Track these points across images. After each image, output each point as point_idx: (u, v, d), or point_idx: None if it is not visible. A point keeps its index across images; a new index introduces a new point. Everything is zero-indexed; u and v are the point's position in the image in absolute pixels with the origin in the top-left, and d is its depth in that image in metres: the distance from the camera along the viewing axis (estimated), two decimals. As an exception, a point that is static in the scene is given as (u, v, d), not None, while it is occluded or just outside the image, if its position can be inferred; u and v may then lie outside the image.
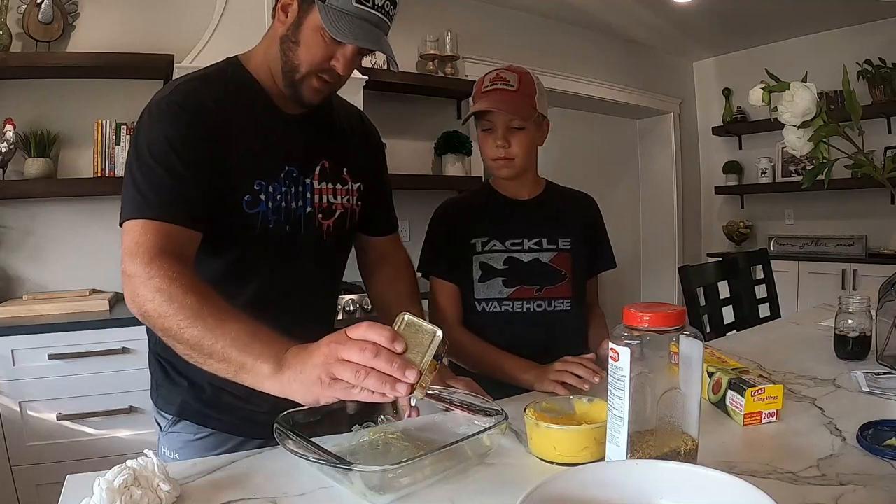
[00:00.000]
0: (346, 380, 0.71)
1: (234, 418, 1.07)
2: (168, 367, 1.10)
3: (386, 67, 3.28)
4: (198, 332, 0.80)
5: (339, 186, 1.13)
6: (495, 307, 1.35)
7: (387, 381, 0.70)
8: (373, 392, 0.71)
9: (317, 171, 1.09)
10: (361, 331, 0.72)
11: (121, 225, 0.92)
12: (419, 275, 1.37)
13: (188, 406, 1.08)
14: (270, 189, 1.02)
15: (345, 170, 1.14)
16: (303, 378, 0.74)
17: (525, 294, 1.35)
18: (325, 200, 1.10)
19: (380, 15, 0.96)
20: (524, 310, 1.35)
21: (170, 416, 1.10)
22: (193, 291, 0.83)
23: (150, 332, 1.13)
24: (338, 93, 1.16)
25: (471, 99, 1.37)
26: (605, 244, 1.49)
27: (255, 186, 1.01)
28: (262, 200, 1.01)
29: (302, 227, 1.07)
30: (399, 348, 0.71)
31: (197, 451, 1.06)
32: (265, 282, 1.06)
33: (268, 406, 1.01)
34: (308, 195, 1.08)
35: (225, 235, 0.99)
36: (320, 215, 1.10)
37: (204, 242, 0.96)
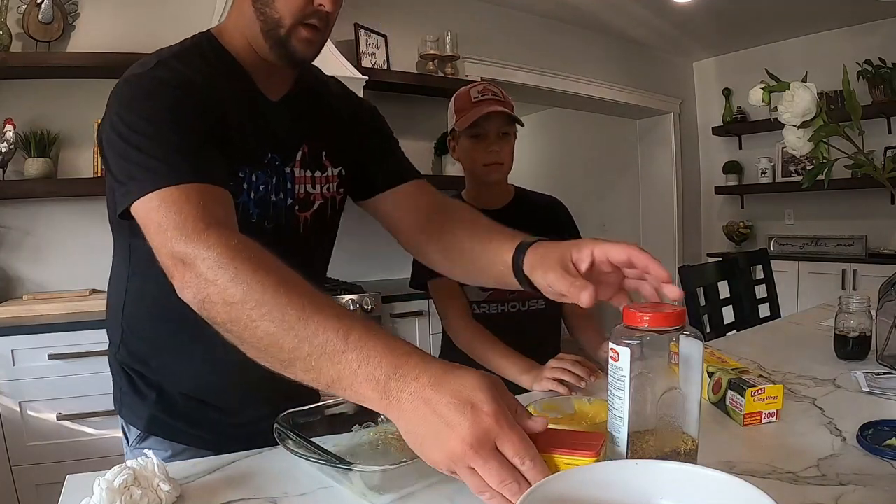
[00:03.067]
0: (469, 486, 0.57)
1: (211, 433, 0.98)
2: (134, 375, 1.00)
3: (385, 67, 3.28)
4: (274, 328, 0.62)
5: (317, 174, 1.01)
6: (475, 309, 1.43)
7: None
8: None
9: (298, 158, 0.98)
10: (518, 435, 0.56)
11: (126, 211, 0.76)
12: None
13: (157, 420, 0.98)
14: (254, 178, 0.91)
15: (323, 153, 1.02)
16: (417, 435, 0.58)
17: (500, 296, 1.44)
18: (302, 191, 0.99)
19: None
20: (499, 311, 1.44)
21: (137, 432, 1.00)
22: (264, 268, 0.65)
23: (111, 335, 1.03)
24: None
25: (453, 110, 1.43)
26: None
27: (240, 174, 0.90)
28: (244, 190, 0.90)
29: (284, 220, 0.97)
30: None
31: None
32: None
33: (248, 419, 0.97)
34: (289, 186, 0.97)
35: None
36: (297, 207, 0.99)
37: None
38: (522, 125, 1.44)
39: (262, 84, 0.94)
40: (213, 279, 0.66)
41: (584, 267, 0.76)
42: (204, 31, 0.95)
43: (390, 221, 1.07)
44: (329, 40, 0.95)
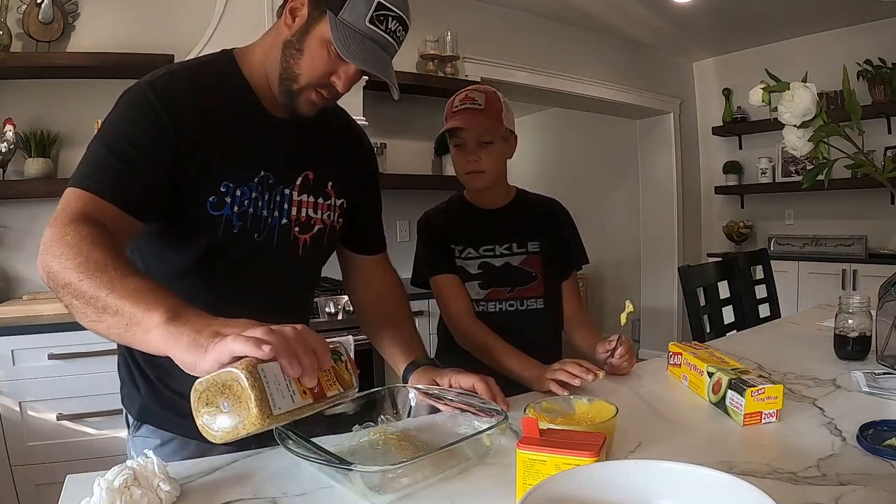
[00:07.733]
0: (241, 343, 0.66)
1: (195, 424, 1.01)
2: (130, 362, 1.05)
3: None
4: (95, 284, 0.75)
5: (320, 201, 1.08)
6: (473, 308, 1.43)
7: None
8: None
9: (298, 182, 1.04)
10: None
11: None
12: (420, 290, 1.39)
13: (147, 409, 1.04)
14: (238, 193, 0.97)
15: (329, 184, 1.09)
16: (197, 339, 0.68)
17: (498, 295, 1.44)
18: (304, 214, 1.05)
19: (390, 39, 0.93)
20: (497, 310, 1.44)
21: (132, 420, 1.06)
22: (103, 248, 0.78)
23: None
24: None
25: (444, 118, 1.43)
26: (576, 244, 1.56)
27: (222, 188, 0.95)
28: (226, 203, 0.96)
29: (276, 238, 1.02)
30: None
31: (163, 458, 1.00)
32: (231, 287, 1.00)
33: None
34: (286, 206, 1.03)
35: (190, 232, 0.96)
36: (297, 228, 1.05)
37: (169, 235, 0.96)
38: (514, 134, 1.42)
39: (269, 105, 1.01)
40: (59, 254, 0.78)
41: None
42: (228, 49, 1.04)
43: (348, 269, 1.25)
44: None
